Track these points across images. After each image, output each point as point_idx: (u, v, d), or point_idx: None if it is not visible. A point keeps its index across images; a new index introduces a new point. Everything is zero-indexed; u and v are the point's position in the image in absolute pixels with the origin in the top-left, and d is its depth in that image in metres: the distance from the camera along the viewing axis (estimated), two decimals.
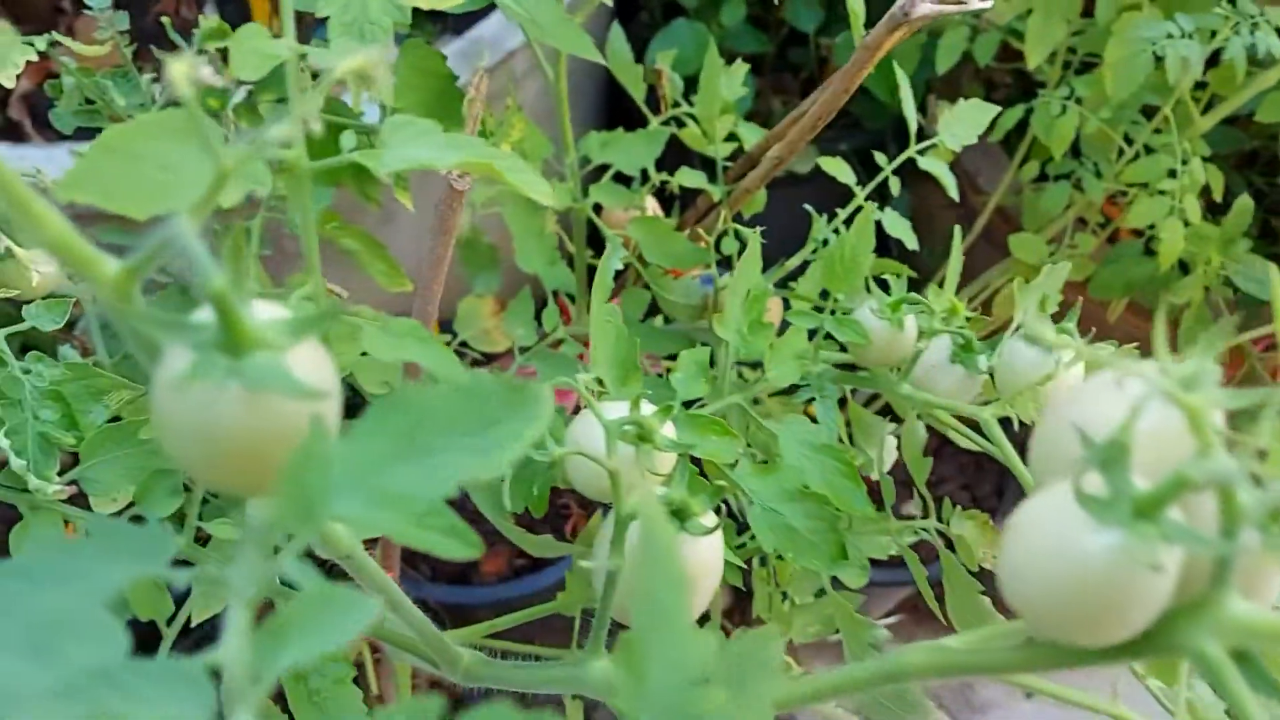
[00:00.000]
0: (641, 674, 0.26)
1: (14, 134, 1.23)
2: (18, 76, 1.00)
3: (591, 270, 0.81)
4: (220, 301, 0.23)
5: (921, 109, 1.23)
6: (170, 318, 0.24)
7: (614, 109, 1.47)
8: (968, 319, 0.58)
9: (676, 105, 0.83)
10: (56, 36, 0.61)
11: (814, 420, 0.58)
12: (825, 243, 0.71)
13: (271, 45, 0.37)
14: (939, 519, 0.63)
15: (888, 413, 0.71)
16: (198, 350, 0.23)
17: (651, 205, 0.85)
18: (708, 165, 0.77)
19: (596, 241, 0.80)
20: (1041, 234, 1.08)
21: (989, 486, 1.30)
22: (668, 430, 0.47)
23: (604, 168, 0.78)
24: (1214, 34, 0.86)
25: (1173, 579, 0.27)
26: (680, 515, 0.44)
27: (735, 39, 1.33)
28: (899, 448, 0.65)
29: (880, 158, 0.72)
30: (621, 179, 0.79)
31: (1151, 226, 0.97)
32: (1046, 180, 1.10)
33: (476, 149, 0.34)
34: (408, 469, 0.23)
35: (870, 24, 0.63)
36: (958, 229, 0.65)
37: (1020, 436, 0.54)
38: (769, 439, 0.58)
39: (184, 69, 0.23)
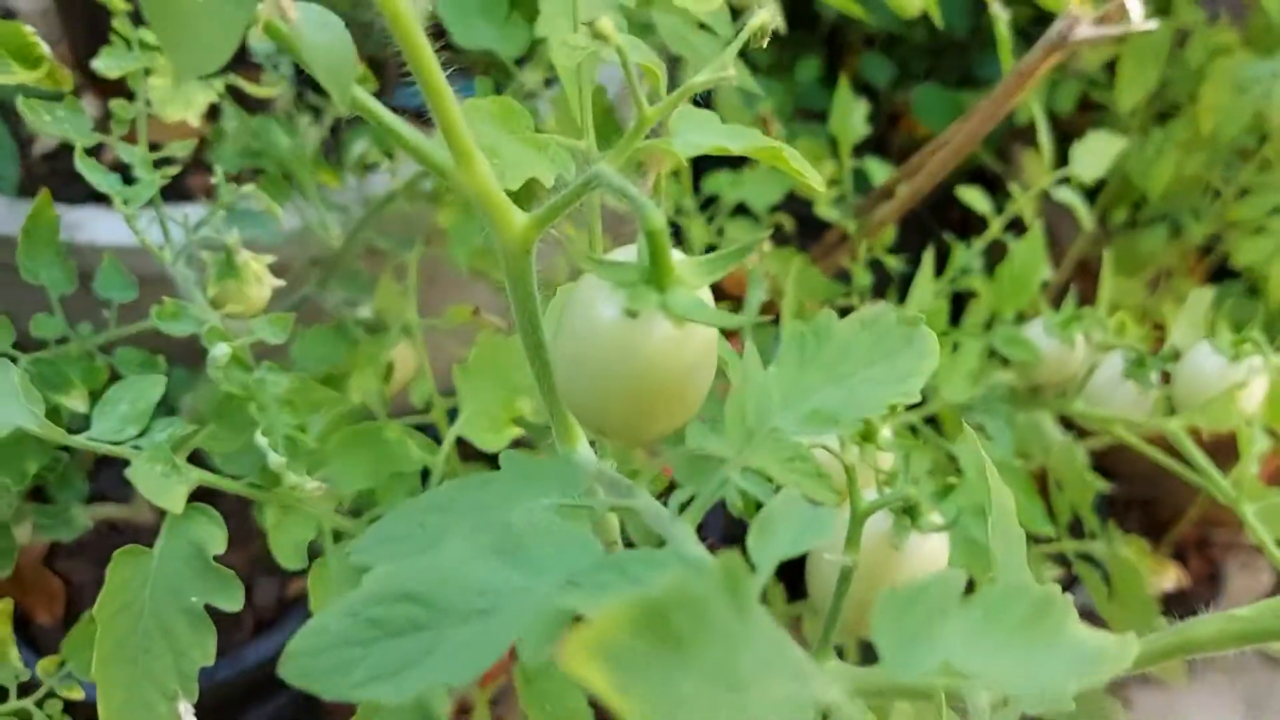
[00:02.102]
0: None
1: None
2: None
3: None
4: (655, 239, 0.24)
5: (1002, 156, 1.26)
6: (600, 257, 0.25)
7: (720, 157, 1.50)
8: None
9: None
10: (234, 79, 0.63)
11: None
12: (965, 271, 0.72)
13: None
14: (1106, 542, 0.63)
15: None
16: (626, 286, 0.24)
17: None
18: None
19: None
20: (1134, 280, 1.09)
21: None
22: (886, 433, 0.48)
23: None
24: None
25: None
26: (912, 513, 0.45)
27: (808, 96, 1.36)
28: None
29: (1015, 189, 0.74)
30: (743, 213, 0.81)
31: (1251, 268, 0.98)
32: (1134, 227, 1.12)
33: (758, 137, 0.35)
34: (833, 393, 0.24)
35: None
36: (1107, 253, 0.66)
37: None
38: (943, 457, 0.59)
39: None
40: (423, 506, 0.25)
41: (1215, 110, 0.92)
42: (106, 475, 0.99)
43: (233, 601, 0.40)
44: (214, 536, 0.40)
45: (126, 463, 0.42)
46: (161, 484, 0.40)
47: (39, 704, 0.46)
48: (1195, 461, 0.53)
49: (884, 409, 0.24)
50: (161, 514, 0.43)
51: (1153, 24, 0.57)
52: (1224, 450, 0.54)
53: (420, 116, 0.38)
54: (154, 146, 0.54)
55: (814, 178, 0.37)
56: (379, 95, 0.31)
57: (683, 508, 0.25)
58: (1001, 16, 0.66)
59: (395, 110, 0.26)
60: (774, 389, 0.24)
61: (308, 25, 0.21)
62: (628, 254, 0.26)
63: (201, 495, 0.44)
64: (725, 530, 0.85)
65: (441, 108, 0.23)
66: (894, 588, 0.19)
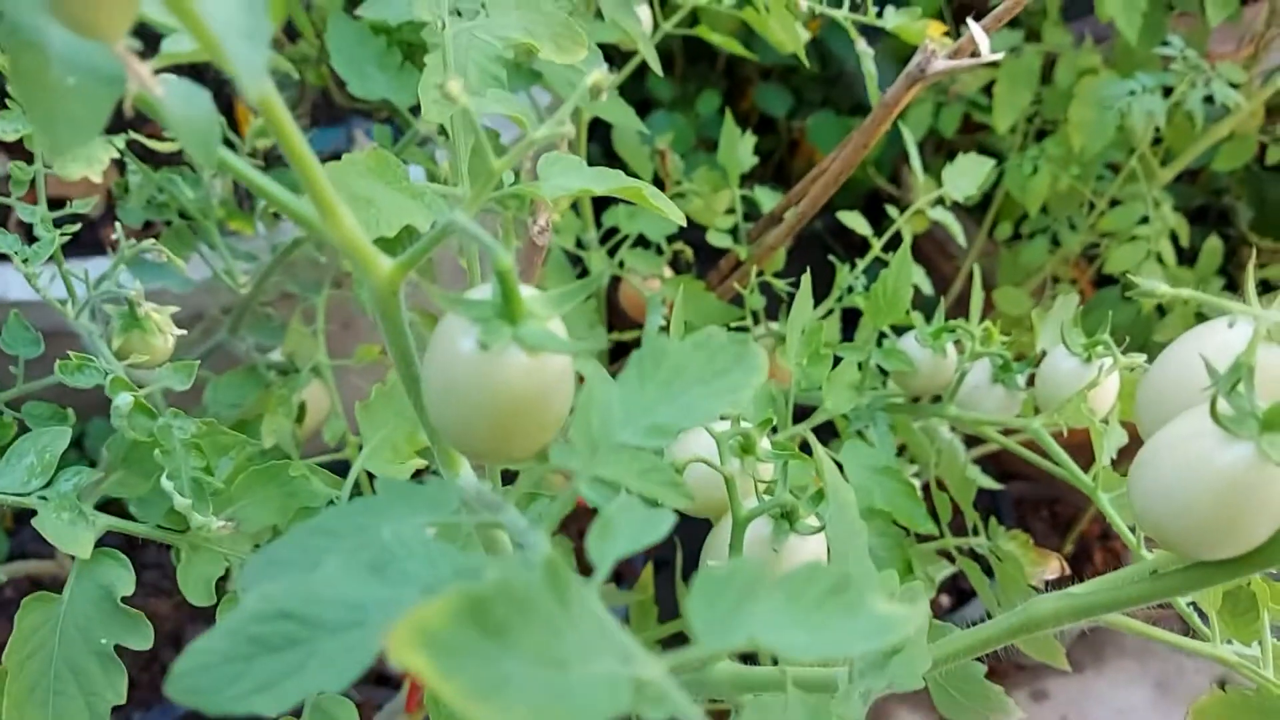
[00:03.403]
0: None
1: None
2: None
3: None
4: (505, 277, 0.27)
5: (893, 180, 1.31)
6: (455, 295, 0.28)
7: None
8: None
9: (679, 182, 0.90)
10: (135, 135, 0.65)
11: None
12: (850, 289, 0.76)
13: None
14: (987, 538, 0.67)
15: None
16: (481, 321, 0.27)
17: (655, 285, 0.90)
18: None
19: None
20: (1021, 288, 1.15)
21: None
22: (764, 444, 0.51)
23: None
24: (1168, 91, 0.94)
25: None
26: (789, 517, 0.48)
27: (710, 127, 1.41)
28: None
29: (892, 210, 0.78)
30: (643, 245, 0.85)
31: (1125, 273, 1.04)
32: (1019, 239, 1.18)
33: (621, 179, 0.39)
34: (669, 408, 0.27)
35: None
36: (976, 266, 0.71)
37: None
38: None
39: None
40: (308, 531, 0.28)
41: (1083, 127, 0.98)
42: (27, 531, 0.98)
43: (142, 641, 0.42)
44: (122, 579, 0.42)
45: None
46: (68, 531, 0.41)
47: None
48: (1057, 456, 0.57)
49: (716, 419, 0.27)
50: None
51: (999, 55, 0.62)
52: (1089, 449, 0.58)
53: (336, 157, 0.40)
54: (59, 203, 0.55)
55: (673, 211, 0.41)
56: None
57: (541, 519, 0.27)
58: (867, 53, 0.70)
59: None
60: (616, 406, 0.27)
61: (174, 99, 0.24)
62: (483, 292, 0.28)
63: (121, 544, 0.46)
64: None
65: (303, 168, 0.26)
66: (705, 573, 0.22)
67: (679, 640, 0.35)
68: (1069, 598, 0.38)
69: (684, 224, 0.68)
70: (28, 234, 0.53)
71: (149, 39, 0.26)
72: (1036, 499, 1.36)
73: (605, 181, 0.38)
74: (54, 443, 0.44)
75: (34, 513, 0.44)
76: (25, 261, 0.48)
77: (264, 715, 0.24)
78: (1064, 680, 1.35)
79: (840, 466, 0.60)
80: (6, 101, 0.52)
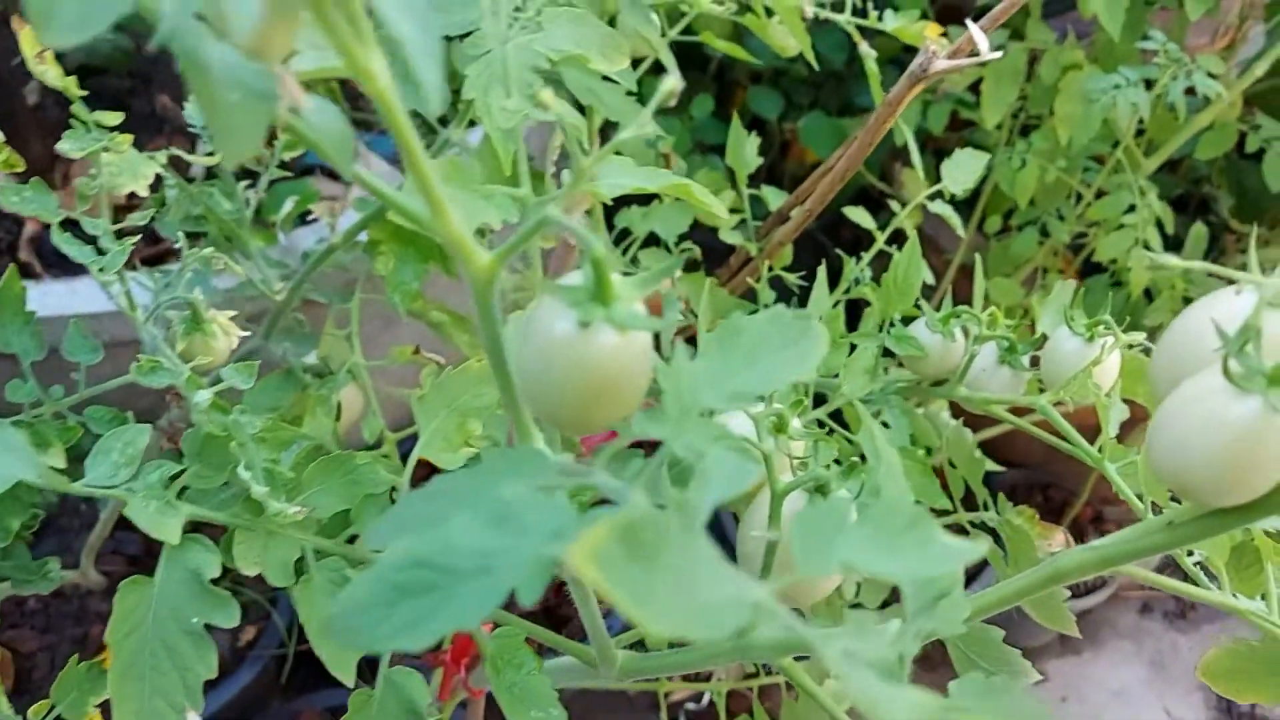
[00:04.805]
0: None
1: (25, 274, 1.28)
2: (23, 221, 1.06)
3: None
4: (598, 264, 0.30)
5: (883, 178, 1.35)
6: (553, 282, 0.31)
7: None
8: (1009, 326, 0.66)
9: None
10: (176, 151, 0.68)
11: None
12: (857, 281, 0.79)
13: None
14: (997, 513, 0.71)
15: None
16: (577, 304, 0.30)
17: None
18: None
19: None
20: (1011, 279, 1.19)
21: None
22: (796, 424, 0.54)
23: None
24: (1149, 83, 0.99)
25: None
26: (823, 490, 0.51)
27: (704, 131, 1.45)
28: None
29: (895, 205, 0.82)
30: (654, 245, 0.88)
31: (1114, 261, 1.09)
32: (1008, 232, 1.22)
33: (671, 177, 0.42)
34: (749, 375, 0.30)
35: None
36: (977, 255, 0.74)
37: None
38: (847, 445, 0.65)
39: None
40: (424, 496, 0.31)
41: (1069, 121, 1.02)
42: (48, 544, 1.00)
43: (229, 619, 0.45)
44: (209, 562, 0.45)
45: (69, 530, 0.47)
46: (157, 519, 0.44)
47: None
48: (1064, 431, 0.61)
49: (789, 383, 0.30)
50: (108, 574, 0.47)
51: (999, 54, 0.65)
52: (1096, 428, 0.62)
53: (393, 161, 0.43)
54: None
55: (718, 207, 0.44)
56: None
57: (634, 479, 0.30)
58: (870, 54, 0.74)
59: (310, 167, 0.32)
60: (701, 376, 0.30)
61: (316, 114, 0.27)
62: (574, 279, 0.32)
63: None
64: None
65: (418, 170, 0.29)
66: (803, 512, 0.25)
67: None
68: (1093, 550, 0.42)
69: (710, 220, 0.72)
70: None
71: None
72: (1030, 485, 1.40)
73: (657, 180, 0.41)
74: (136, 438, 0.47)
75: (51, 526, 0.47)
76: (101, 270, 0.51)
77: (408, 651, 0.27)
78: (1061, 662, 1.39)
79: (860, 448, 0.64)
80: (70, 121, 0.55)
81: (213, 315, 0.52)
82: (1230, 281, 0.38)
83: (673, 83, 0.32)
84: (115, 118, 0.57)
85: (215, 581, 0.45)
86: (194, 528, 0.49)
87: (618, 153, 0.41)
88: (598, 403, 0.31)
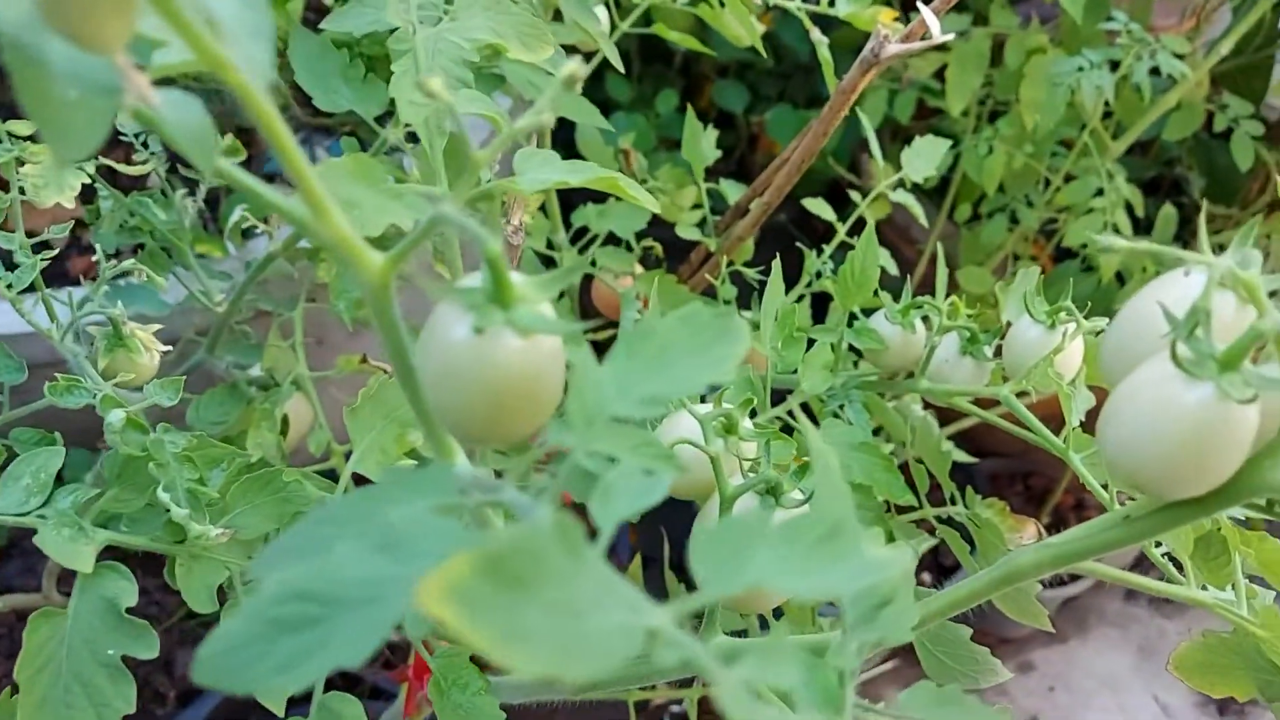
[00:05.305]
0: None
1: None
2: None
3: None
4: (494, 263, 0.28)
5: (853, 169, 1.33)
6: (446, 283, 0.29)
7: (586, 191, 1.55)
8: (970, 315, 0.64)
9: (644, 181, 0.91)
10: (105, 160, 0.65)
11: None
12: (819, 275, 0.78)
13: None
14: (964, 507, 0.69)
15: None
16: (474, 307, 0.28)
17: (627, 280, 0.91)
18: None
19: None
20: (983, 267, 1.17)
21: None
22: (746, 425, 0.52)
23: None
24: (1115, 65, 0.97)
25: (1255, 424, 0.33)
26: (774, 492, 0.49)
27: (670, 127, 1.43)
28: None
29: (855, 195, 0.80)
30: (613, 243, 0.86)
31: (1084, 246, 1.07)
32: (979, 220, 1.20)
33: (596, 170, 0.40)
34: (660, 379, 0.28)
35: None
36: (939, 245, 0.72)
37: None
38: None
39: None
40: (315, 520, 0.29)
41: (1034, 106, 1.00)
42: (13, 566, 0.98)
43: (149, 650, 0.43)
44: (125, 591, 0.43)
45: (33, 552, 0.44)
46: (69, 547, 0.42)
47: None
48: (1028, 421, 0.59)
49: (704, 389, 0.28)
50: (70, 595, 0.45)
51: (950, 36, 0.63)
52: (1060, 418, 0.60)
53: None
54: (30, 233, 0.56)
55: (647, 200, 0.42)
56: (251, 161, 0.34)
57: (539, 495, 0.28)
58: (822, 41, 0.72)
59: (270, 175, 0.30)
60: (609, 381, 0.28)
61: (170, 108, 0.25)
62: (473, 280, 0.30)
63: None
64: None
65: (294, 168, 0.27)
66: (707, 526, 0.23)
67: None
68: (1048, 547, 0.40)
69: (654, 217, 0.70)
70: (3, 263, 0.54)
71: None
72: (1011, 474, 1.38)
73: (580, 173, 0.39)
74: (48, 463, 0.45)
75: (16, 547, 0.45)
76: (9, 287, 0.49)
77: (288, 693, 0.25)
78: (1049, 651, 1.37)
79: None
80: None
81: (132, 330, 0.50)
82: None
83: (572, 68, 0.30)
84: (29, 127, 0.54)
85: None
86: (124, 555, 0.47)
87: (564, 147, 0.39)
88: (506, 413, 0.29)
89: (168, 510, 0.45)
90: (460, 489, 0.30)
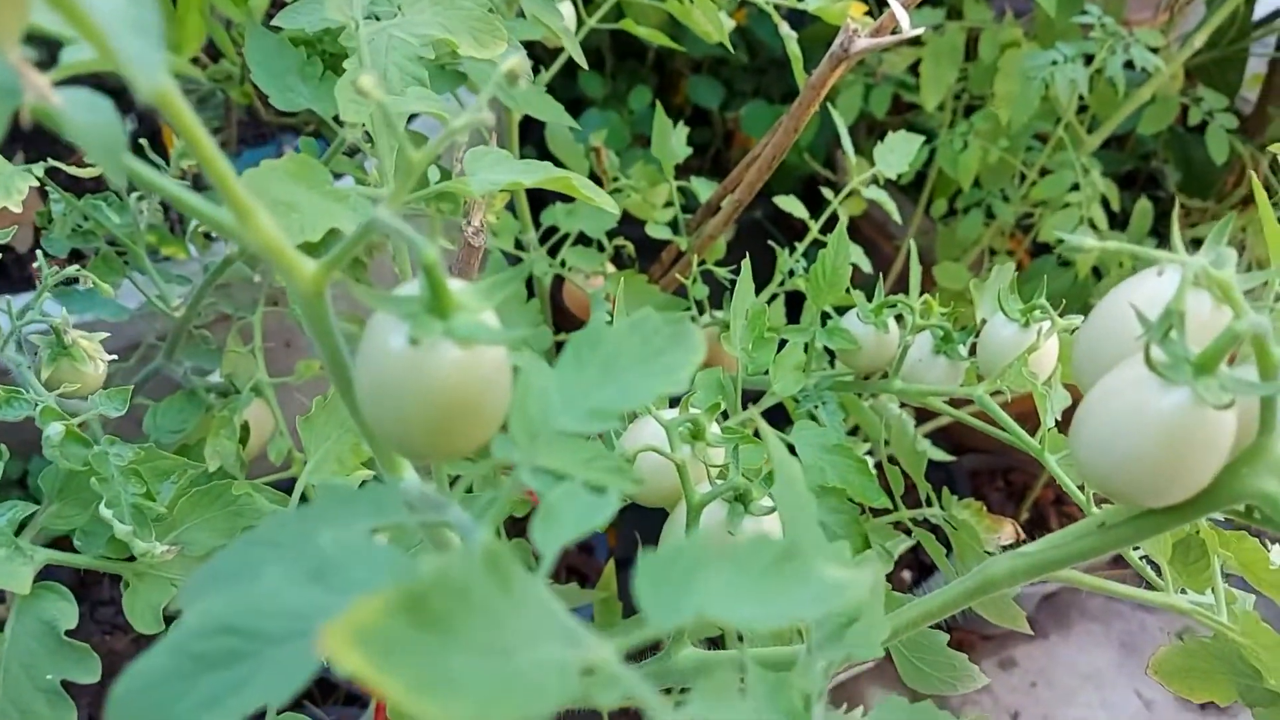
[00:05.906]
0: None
1: None
2: None
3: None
4: (430, 270, 0.26)
5: (828, 165, 1.32)
6: (381, 292, 0.27)
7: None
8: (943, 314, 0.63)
9: (616, 179, 0.89)
10: (54, 162, 0.63)
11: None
12: (792, 273, 0.76)
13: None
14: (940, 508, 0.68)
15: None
16: (409, 317, 0.27)
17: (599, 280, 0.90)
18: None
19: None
20: (960, 263, 1.16)
21: None
22: (714, 430, 0.51)
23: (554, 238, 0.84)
24: (1089, 59, 0.96)
25: (1232, 429, 0.31)
26: (743, 499, 0.48)
27: (643, 124, 1.41)
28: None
29: (827, 192, 0.78)
30: (584, 243, 0.85)
31: (1060, 241, 1.06)
32: (955, 215, 1.19)
33: (550, 170, 0.38)
34: (608, 390, 0.27)
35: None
36: (912, 242, 0.71)
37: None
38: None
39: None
40: (247, 542, 0.27)
41: (1009, 100, 0.99)
42: None
43: (89, 674, 0.41)
44: (65, 613, 0.41)
45: None
46: (4, 568, 0.40)
47: None
48: (1002, 421, 0.57)
49: (655, 399, 0.26)
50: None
51: (920, 30, 0.62)
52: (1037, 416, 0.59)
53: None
54: None
55: (604, 200, 0.40)
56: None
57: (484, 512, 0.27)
58: (790, 36, 0.70)
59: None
60: (554, 392, 0.26)
61: (76, 109, 0.23)
62: (412, 288, 0.28)
63: (73, 580, 0.45)
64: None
65: (215, 172, 0.25)
66: (651, 552, 0.22)
67: None
68: (1023, 556, 0.38)
69: (619, 216, 0.68)
70: None
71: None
72: (991, 470, 1.38)
73: (534, 173, 0.38)
74: None
75: None
76: None
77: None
78: (1030, 647, 1.36)
79: (792, 448, 0.60)
80: None
81: (75, 339, 0.48)
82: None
83: (514, 62, 0.28)
84: None
85: None
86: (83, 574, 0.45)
87: (536, 145, 0.38)
88: (447, 427, 0.28)
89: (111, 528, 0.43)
90: (404, 507, 0.28)
